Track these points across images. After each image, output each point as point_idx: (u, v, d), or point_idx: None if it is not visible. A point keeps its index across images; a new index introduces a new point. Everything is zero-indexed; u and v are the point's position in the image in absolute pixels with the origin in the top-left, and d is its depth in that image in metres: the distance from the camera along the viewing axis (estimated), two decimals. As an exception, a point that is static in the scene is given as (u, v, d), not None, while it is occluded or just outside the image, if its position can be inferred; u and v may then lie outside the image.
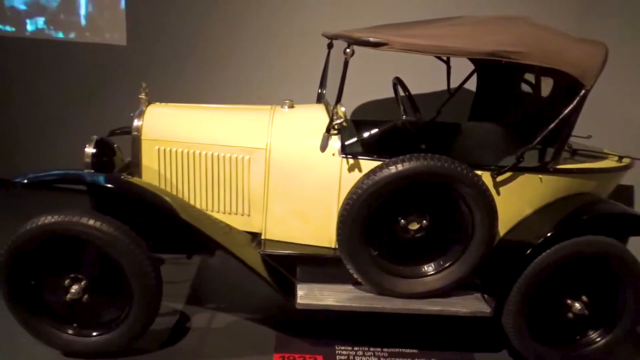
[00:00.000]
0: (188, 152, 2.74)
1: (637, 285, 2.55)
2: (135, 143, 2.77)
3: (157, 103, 2.94)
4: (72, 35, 4.50)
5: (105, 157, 2.63)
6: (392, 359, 2.77)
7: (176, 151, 2.75)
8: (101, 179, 2.49)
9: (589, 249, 2.51)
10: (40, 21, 4.50)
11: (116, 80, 4.49)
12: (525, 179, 2.57)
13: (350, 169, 2.58)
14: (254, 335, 2.92)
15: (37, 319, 2.49)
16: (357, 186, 2.42)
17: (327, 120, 2.72)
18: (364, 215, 2.44)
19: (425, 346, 2.88)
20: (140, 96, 2.86)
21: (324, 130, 2.61)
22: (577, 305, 2.59)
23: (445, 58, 3.48)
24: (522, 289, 2.53)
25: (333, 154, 2.59)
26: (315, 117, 2.77)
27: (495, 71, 3.37)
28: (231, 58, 4.34)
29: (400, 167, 2.35)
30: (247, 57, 4.33)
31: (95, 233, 2.37)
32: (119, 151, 2.75)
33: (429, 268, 2.60)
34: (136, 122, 2.76)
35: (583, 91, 2.41)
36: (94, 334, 2.52)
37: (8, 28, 4.55)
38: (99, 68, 4.50)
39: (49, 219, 2.37)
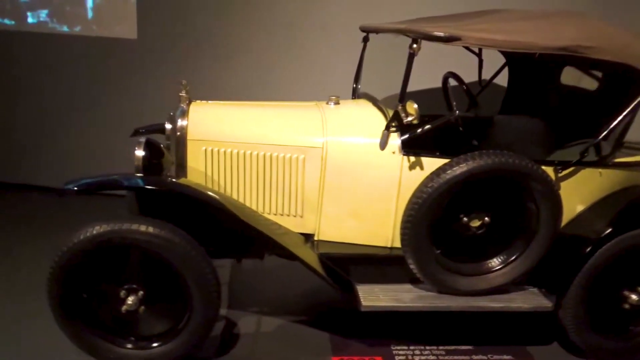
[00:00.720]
0: (238, 153, 2.62)
1: None
2: (181, 144, 2.64)
3: (199, 101, 2.82)
4: (77, 29, 4.28)
5: (154, 159, 2.49)
6: (449, 357, 2.76)
7: (225, 152, 2.63)
8: (158, 183, 2.37)
9: (647, 242, 2.54)
10: (43, 13, 4.26)
11: (126, 76, 4.31)
12: (586, 173, 2.57)
13: (412, 167, 2.53)
14: (305, 338, 2.86)
15: (91, 334, 2.36)
16: (425, 184, 2.37)
17: (381, 116, 2.67)
18: (432, 214, 2.39)
19: (476, 341, 2.88)
20: (180, 94, 2.74)
21: (380, 127, 2.56)
22: (634, 296, 2.62)
23: (477, 51, 3.45)
24: (581, 282, 2.55)
25: (393, 152, 2.53)
26: (369, 114, 2.71)
27: (529, 64, 3.36)
28: (250, 51, 4.21)
29: (472, 164, 2.31)
30: (267, 51, 4.20)
31: (154, 240, 2.25)
32: (167, 152, 2.61)
33: (492, 265, 2.58)
34: (180, 122, 2.64)
35: (647, 86, 2.42)
36: (154, 345, 2.40)
37: (7, 21, 4.29)
38: (108, 63, 4.30)
39: (103, 227, 2.24)
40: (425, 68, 3.78)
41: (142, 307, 2.37)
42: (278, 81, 4.26)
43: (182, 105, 2.72)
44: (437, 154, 2.51)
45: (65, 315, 2.32)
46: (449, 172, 2.33)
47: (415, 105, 2.30)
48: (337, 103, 2.85)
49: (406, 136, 2.51)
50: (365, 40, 3.26)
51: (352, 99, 3.33)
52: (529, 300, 2.61)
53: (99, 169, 4.23)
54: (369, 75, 3.64)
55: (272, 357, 2.69)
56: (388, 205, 2.60)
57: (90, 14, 4.23)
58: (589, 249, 2.51)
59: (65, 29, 4.27)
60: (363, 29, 3.22)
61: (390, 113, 2.60)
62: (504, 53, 3.42)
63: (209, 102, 2.84)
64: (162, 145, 2.65)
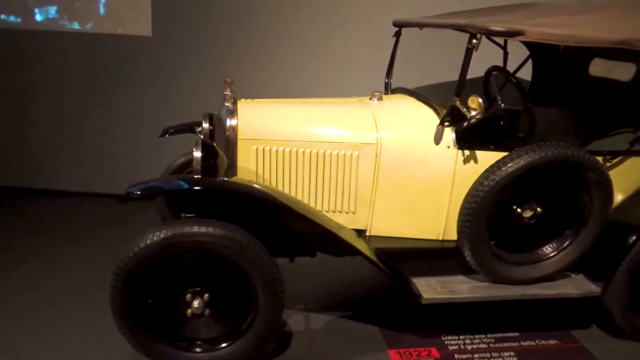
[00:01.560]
0: (290, 151, 2.61)
1: None
2: (230, 143, 2.61)
3: (244, 99, 2.79)
4: (89, 26, 4.15)
5: (211, 160, 2.45)
6: (499, 344, 2.82)
7: (277, 150, 2.62)
8: (224, 184, 2.35)
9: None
10: (52, 10, 4.11)
11: (141, 75, 4.21)
12: (632, 161, 2.67)
13: (466, 160, 2.56)
14: (356, 333, 2.88)
15: (158, 342, 2.32)
16: (486, 177, 2.41)
17: (430, 111, 2.69)
18: (492, 207, 2.44)
19: (521, 328, 2.95)
20: (225, 92, 2.70)
21: (430, 121, 2.59)
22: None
23: (502, 43, 3.50)
24: (628, 267, 2.64)
25: (448, 147, 2.56)
26: (418, 109, 2.73)
27: (553, 57, 3.44)
28: (269, 47, 4.16)
29: (533, 156, 2.36)
30: (289, 46, 4.17)
31: (223, 242, 2.23)
32: (221, 152, 2.57)
33: (544, 253, 2.65)
34: (230, 121, 2.60)
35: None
36: (222, 345, 2.39)
37: (13, 19, 4.12)
38: (122, 62, 4.19)
39: (170, 231, 2.20)
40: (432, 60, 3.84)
41: (207, 310, 2.35)
42: (298, 77, 4.23)
43: (227, 104, 2.69)
44: (492, 147, 2.55)
45: (132, 324, 2.28)
46: (510, 164, 2.37)
47: (480, 100, 2.32)
48: (380, 99, 2.87)
49: (461, 130, 2.54)
50: (398, 34, 3.28)
51: (385, 93, 3.34)
52: (578, 286, 2.69)
53: (120, 170, 4.17)
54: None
55: (331, 354, 2.70)
56: (441, 199, 2.63)
57: (102, 10, 4.10)
58: (635, 236, 2.60)
59: (76, 26, 4.13)
60: (397, 24, 3.23)
61: (440, 108, 2.63)
62: (528, 46, 3.48)
63: (254, 100, 2.81)
64: (215, 145, 2.60)
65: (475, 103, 2.33)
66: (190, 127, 3.38)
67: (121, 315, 2.26)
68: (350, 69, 4.16)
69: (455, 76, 3.38)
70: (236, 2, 4.08)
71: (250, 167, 2.64)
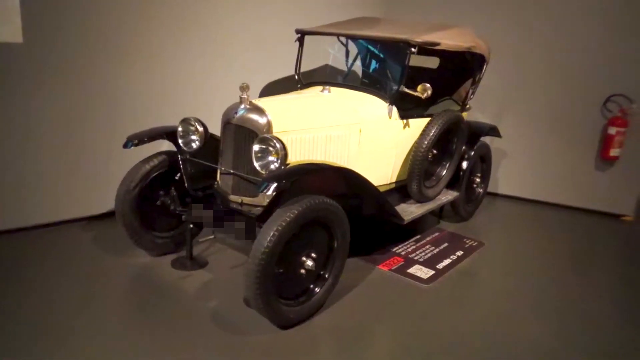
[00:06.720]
0: (311, 137, 3.34)
1: (489, 156, 4.99)
2: (266, 137, 3.15)
3: (256, 99, 3.28)
4: None
5: (284, 150, 2.96)
6: (419, 243, 4.34)
7: (301, 137, 3.30)
8: (320, 165, 3.04)
9: (483, 148, 4.78)
10: None
11: (14, 85, 3.65)
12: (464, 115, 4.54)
13: (405, 127, 3.89)
14: (350, 265, 3.83)
15: (283, 306, 2.88)
16: (423, 138, 3.82)
17: (373, 96, 3.85)
18: (429, 154, 3.89)
19: (415, 233, 4.56)
20: (242, 95, 3.18)
21: (378, 104, 3.79)
22: (477, 179, 4.87)
23: (345, 43, 4.87)
24: (465, 180, 4.58)
25: (395, 119, 3.82)
26: (366, 96, 3.84)
27: (377, 53, 5.04)
28: (154, 53, 4.26)
29: (447, 119, 3.90)
30: (173, 53, 4.35)
31: (331, 209, 2.96)
32: (286, 145, 3.01)
33: (438, 177, 4.28)
34: (262, 120, 3.12)
35: (486, 65, 4.52)
36: (327, 277, 3.14)
37: None
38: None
39: (298, 206, 2.75)
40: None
41: (314, 266, 2.99)
42: (186, 81, 4.47)
43: (244, 105, 3.18)
44: (415, 116, 3.96)
45: (271, 295, 2.76)
46: (436, 127, 3.84)
47: (428, 85, 3.63)
48: (329, 91, 3.83)
49: (400, 106, 3.83)
50: (301, 40, 4.22)
51: (298, 87, 4.25)
52: (449, 194, 4.47)
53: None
54: (277, 66, 4.56)
55: (344, 282, 3.58)
56: (391, 155, 3.90)
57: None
58: (466, 162, 4.53)
59: None
60: (299, 32, 4.17)
61: (381, 94, 3.84)
62: (355, 43, 4.97)
63: (261, 99, 3.33)
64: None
65: (424, 88, 3.64)
66: (155, 134, 3.48)
67: (266, 291, 2.70)
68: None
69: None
70: (115, 4, 4.01)
71: (285, 154, 3.24)
